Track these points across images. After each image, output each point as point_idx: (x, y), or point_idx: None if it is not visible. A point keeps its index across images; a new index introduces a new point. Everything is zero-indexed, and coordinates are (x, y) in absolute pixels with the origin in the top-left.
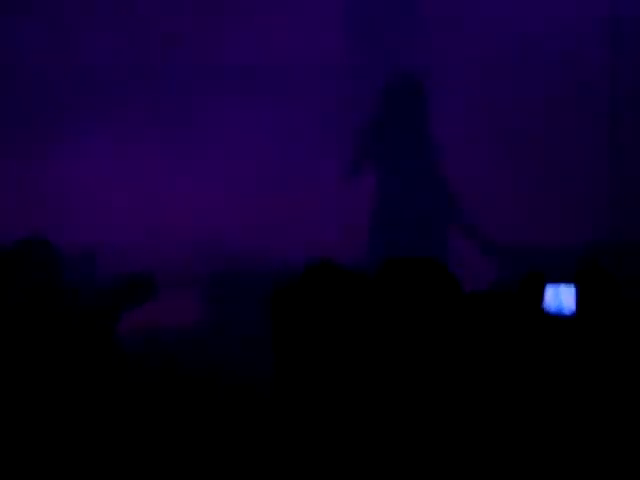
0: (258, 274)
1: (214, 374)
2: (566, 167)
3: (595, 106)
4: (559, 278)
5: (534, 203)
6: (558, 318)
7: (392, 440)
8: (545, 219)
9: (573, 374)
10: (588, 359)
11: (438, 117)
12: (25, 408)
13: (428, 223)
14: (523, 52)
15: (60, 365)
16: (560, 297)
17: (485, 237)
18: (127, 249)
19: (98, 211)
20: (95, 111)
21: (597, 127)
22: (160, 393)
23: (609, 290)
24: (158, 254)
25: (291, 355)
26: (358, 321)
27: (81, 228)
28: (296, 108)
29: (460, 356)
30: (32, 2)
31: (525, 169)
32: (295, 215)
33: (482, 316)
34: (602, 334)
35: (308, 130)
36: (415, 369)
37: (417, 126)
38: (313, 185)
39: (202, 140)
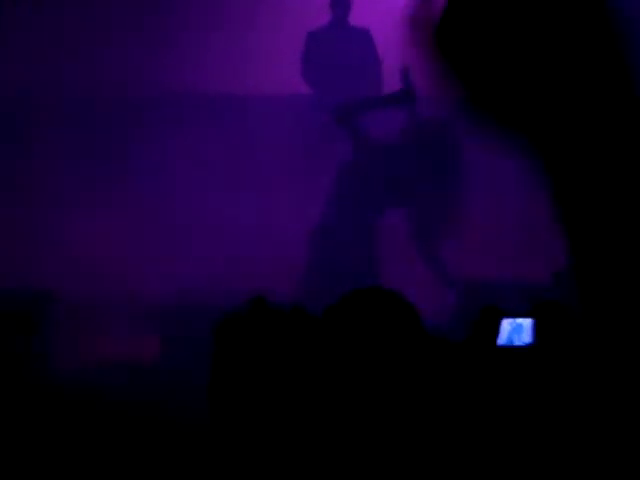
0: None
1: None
2: (516, 198)
3: None
4: (517, 311)
5: (489, 235)
6: (514, 351)
7: None
8: (501, 251)
9: (529, 407)
10: (545, 392)
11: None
12: None
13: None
14: None
15: None
16: (517, 330)
17: (444, 267)
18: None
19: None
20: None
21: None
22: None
23: (567, 323)
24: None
25: (227, 397)
26: (301, 360)
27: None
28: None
29: (421, 399)
30: None
31: (479, 201)
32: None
33: (440, 355)
34: (560, 367)
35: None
36: (368, 410)
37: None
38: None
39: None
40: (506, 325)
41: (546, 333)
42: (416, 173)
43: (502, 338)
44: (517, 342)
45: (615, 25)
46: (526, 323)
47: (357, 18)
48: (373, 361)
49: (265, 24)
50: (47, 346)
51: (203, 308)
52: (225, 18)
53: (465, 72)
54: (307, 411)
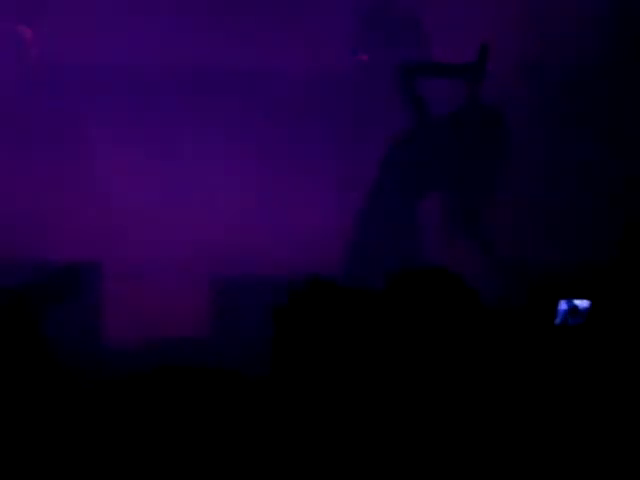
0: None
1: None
2: (581, 183)
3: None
4: (573, 293)
5: (551, 217)
6: (569, 329)
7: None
8: (563, 234)
9: (583, 384)
10: (600, 369)
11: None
12: None
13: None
14: None
15: None
16: (573, 312)
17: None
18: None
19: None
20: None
21: (613, 143)
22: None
23: (623, 305)
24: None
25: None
26: (367, 337)
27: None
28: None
29: (476, 372)
30: None
31: (538, 183)
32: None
33: (496, 331)
34: (615, 346)
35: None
36: (428, 385)
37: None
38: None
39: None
40: (563, 306)
41: (603, 315)
42: (465, 151)
43: (559, 319)
44: (572, 323)
45: None
46: (582, 304)
47: None
48: (438, 338)
49: None
50: (93, 317)
51: (255, 280)
52: None
53: None
54: (374, 384)
